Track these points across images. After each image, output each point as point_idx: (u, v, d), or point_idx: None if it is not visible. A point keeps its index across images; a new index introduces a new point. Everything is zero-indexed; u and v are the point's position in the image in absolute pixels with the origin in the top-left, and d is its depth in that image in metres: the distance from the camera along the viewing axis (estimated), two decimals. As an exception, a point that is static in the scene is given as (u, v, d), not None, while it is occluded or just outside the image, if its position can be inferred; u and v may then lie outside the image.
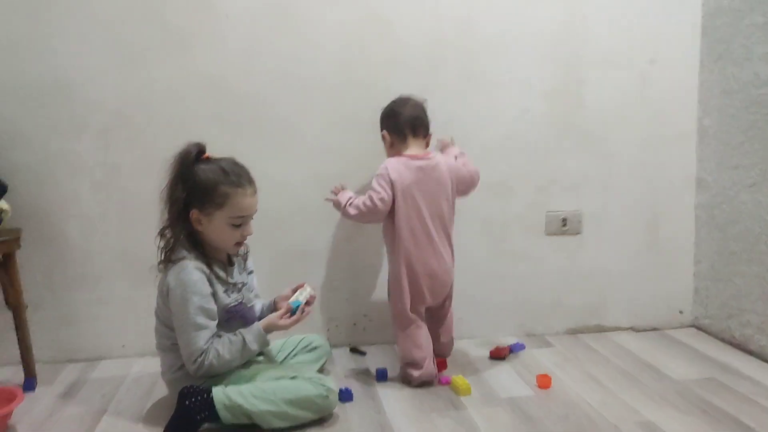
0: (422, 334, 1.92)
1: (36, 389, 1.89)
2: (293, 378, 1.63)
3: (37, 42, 1.99)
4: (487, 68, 2.22)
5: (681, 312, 2.42)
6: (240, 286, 1.73)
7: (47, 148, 2.04)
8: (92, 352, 2.13)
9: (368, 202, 1.88)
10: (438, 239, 1.91)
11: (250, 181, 1.66)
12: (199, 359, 1.59)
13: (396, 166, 1.89)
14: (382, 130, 1.99)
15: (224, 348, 1.61)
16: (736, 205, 2.17)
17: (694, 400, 1.77)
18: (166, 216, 1.64)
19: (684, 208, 2.38)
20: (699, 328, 2.39)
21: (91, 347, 2.13)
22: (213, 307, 1.62)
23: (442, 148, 2.09)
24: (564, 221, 2.31)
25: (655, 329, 2.39)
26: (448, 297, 2.04)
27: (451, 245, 1.97)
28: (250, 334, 1.65)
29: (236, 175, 1.63)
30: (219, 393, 1.55)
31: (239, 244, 1.70)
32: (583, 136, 2.30)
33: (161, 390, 1.80)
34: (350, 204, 1.93)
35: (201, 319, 1.59)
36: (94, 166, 2.07)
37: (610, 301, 2.38)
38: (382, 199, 1.87)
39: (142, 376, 1.98)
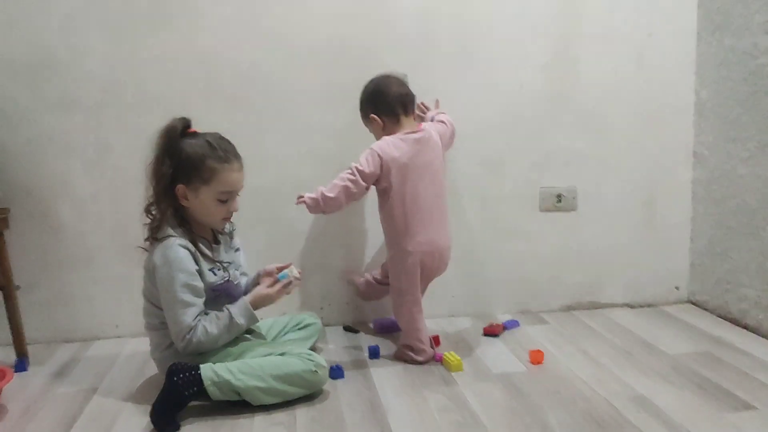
0: (421, 318, 1.90)
1: (29, 369, 1.89)
2: (282, 354, 1.63)
3: (24, 19, 1.97)
4: (482, 43, 2.18)
5: (677, 288, 2.40)
6: (226, 264, 1.71)
7: (37, 126, 2.02)
8: (86, 332, 2.14)
9: (348, 175, 1.77)
10: (438, 214, 1.86)
11: (237, 157, 1.64)
12: (187, 336, 1.58)
13: (391, 141, 1.82)
14: (369, 115, 1.88)
15: (211, 324, 1.60)
16: (733, 179, 2.14)
17: (689, 374, 1.76)
18: (151, 192, 1.63)
19: (681, 183, 2.35)
20: (695, 303, 2.37)
21: (85, 327, 2.13)
22: (199, 284, 1.61)
23: (420, 111, 2.05)
24: (559, 197, 2.29)
25: (650, 305, 2.38)
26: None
27: (447, 218, 1.92)
28: (236, 308, 1.65)
29: (223, 150, 1.62)
30: (207, 369, 1.55)
31: (226, 219, 1.69)
32: (579, 111, 2.26)
33: (153, 368, 1.79)
34: (326, 189, 1.78)
35: (187, 297, 1.58)
36: (86, 144, 2.06)
37: (605, 277, 2.36)
38: (362, 172, 1.77)
39: (135, 354, 1.98)
